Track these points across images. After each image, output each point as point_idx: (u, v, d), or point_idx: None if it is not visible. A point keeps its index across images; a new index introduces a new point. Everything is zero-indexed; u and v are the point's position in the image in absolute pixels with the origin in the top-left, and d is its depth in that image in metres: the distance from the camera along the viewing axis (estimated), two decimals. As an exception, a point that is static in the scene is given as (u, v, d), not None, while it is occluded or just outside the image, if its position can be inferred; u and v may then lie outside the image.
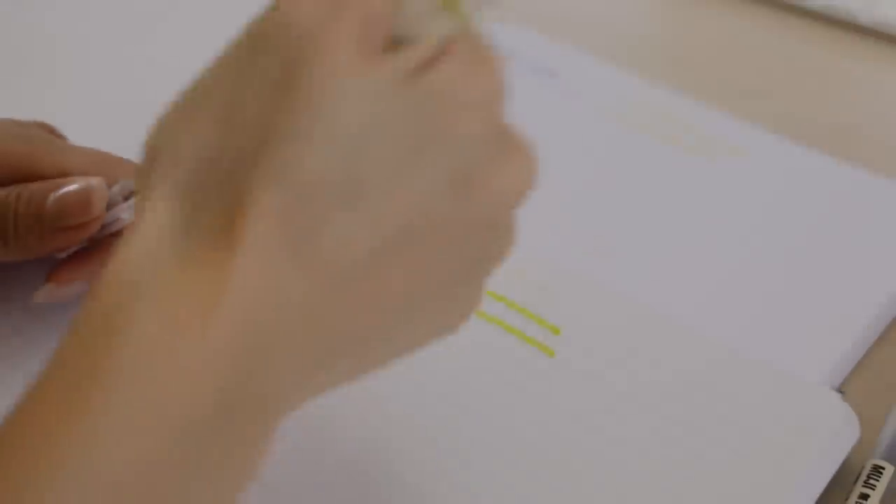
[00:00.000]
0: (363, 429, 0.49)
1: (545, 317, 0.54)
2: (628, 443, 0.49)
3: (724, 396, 0.50)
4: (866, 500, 0.48)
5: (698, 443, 0.49)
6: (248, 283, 0.34)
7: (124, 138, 0.54)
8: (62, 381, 0.34)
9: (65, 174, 0.51)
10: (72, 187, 0.49)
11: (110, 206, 0.51)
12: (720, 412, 0.50)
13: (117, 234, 0.51)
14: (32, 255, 0.50)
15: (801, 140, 0.64)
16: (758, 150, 0.63)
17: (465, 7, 0.37)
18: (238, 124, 0.35)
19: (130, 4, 0.71)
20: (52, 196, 0.49)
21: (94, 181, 0.50)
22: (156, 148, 0.37)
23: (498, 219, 0.39)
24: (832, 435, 0.49)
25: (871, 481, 0.49)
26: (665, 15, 0.72)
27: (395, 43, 0.36)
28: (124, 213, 0.51)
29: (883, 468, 0.49)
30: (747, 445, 0.49)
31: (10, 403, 0.35)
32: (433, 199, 0.36)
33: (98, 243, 0.51)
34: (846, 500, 0.49)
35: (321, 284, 0.35)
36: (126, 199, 0.51)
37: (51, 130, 0.55)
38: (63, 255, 0.51)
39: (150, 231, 0.35)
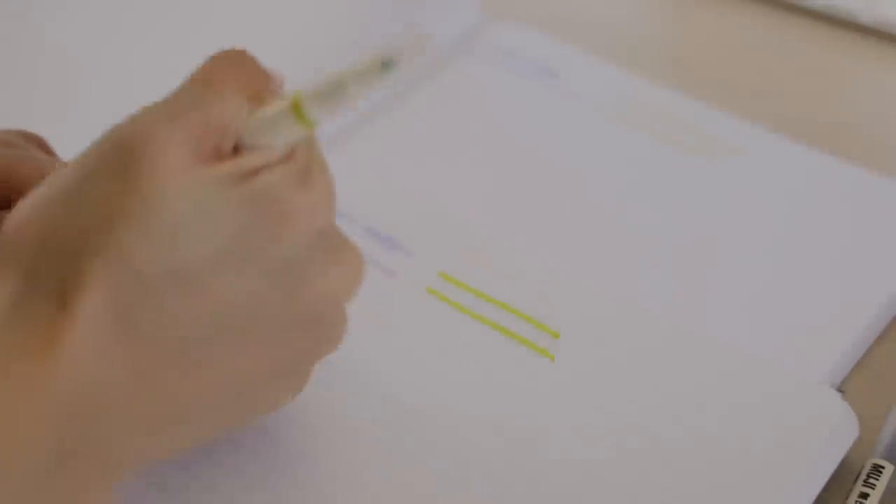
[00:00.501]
0: (361, 432, 0.50)
1: (544, 321, 0.54)
2: (627, 443, 0.49)
3: (724, 396, 0.50)
4: (866, 499, 0.48)
5: (698, 442, 0.49)
6: (79, 349, 0.38)
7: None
8: None
9: None
10: None
11: None
12: (720, 411, 0.50)
13: None
14: None
15: (801, 140, 0.64)
16: (757, 149, 0.63)
17: (312, 115, 0.40)
18: (77, 208, 0.39)
19: (120, 14, 0.70)
20: None
21: None
22: (6, 229, 0.40)
23: (324, 316, 0.43)
24: (831, 433, 0.49)
25: (871, 480, 0.49)
26: (665, 14, 0.72)
27: (248, 148, 0.41)
28: None
29: (883, 467, 0.49)
30: (747, 444, 0.49)
31: None
32: (254, 292, 0.40)
33: None
34: (846, 499, 0.49)
35: (145, 358, 0.39)
36: None
37: (38, 142, 0.55)
38: None
39: None
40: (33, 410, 0.37)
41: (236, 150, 0.41)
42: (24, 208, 0.40)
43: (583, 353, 0.52)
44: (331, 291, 0.43)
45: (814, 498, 0.48)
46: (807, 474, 0.48)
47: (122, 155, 0.40)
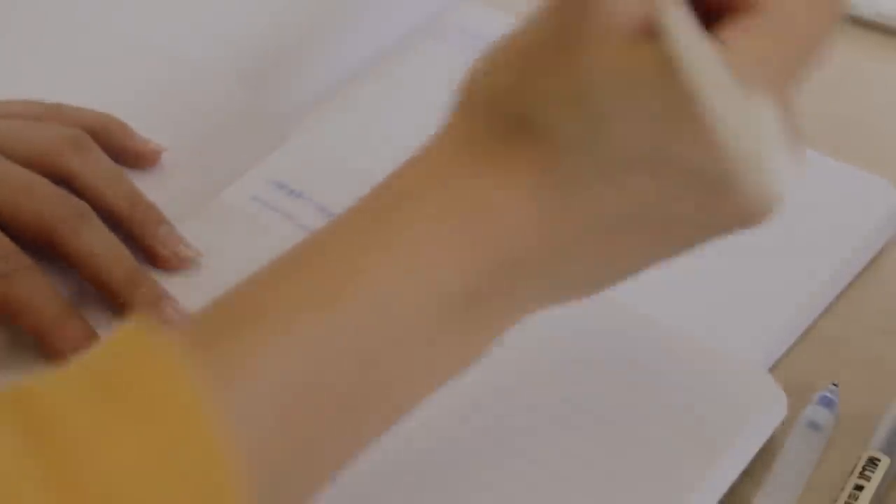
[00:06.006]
0: None
1: None
2: (554, 414, 0.50)
3: (651, 371, 0.51)
4: (861, 491, 0.48)
5: (624, 416, 0.50)
6: (513, 204, 0.41)
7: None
8: (346, 234, 0.42)
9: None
10: None
11: None
12: (647, 387, 0.51)
13: None
14: None
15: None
16: None
17: None
18: (527, 74, 0.41)
19: None
20: None
21: None
22: (460, 89, 0.43)
23: (740, 221, 0.43)
24: (757, 411, 0.50)
25: (867, 473, 0.49)
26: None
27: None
28: None
29: (879, 460, 0.49)
30: (672, 420, 0.50)
31: None
32: (669, 197, 0.41)
33: None
34: (841, 490, 0.49)
35: (562, 231, 0.41)
36: None
37: (118, 129, 0.57)
38: None
39: (439, 145, 0.42)
40: (463, 247, 0.41)
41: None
42: (477, 69, 0.43)
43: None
44: (747, 207, 0.42)
45: (737, 474, 0.49)
46: (731, 451, 0.49)
47: (567, 14, 0.41)
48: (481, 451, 0.49)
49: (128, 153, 0.56)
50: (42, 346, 0.50)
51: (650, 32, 0.40)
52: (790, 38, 0.42)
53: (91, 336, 0.50)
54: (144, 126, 0.58)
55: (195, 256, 0.54)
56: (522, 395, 0.50)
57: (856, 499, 0.48)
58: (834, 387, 0.51)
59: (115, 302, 0.51)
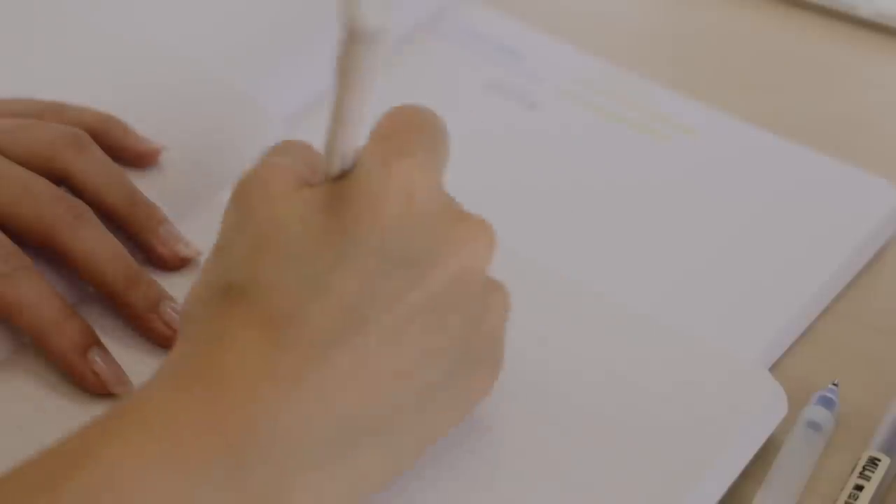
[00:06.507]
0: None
1: None
2: (554, 414, 0.50)
3: (653, 371, 0.51)
4: (861, 490, 0.49)
5: (624, 416, 0.50)
6: (236, 375, 0.40)
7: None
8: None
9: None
10: None
11: None
12: (647, 386, 0.51)
13: None
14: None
15: (799, 134, 0.63)
16: (709, 130, 0.63)
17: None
18: (219, 260, 0.43)
19: None
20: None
21: None
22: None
23: (464, 293, 0.44)
24: (758, 410, 0.50)
25: (867, 472, 0.49)
26: (660, 9, 0.72)
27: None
28: None
29: (879, 460, 0.49)
30: (673, 419, 0.50)
31: None
32: (375, 283, 0.42)
33: None
34: (841, 490, 0.49)
35: (306, 362, 0.41)
36: None
37: (117, 127, 0.56)
38: None
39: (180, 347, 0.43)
40: (206, 443, 0.39)
41: None
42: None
43: (516, 321, 0.52)
44: (459, 267, 0.43)
45: (738, 473, 0.49)
46: (731, 450, 0.49)
47: (240, 196, 0.44)
48: (479, 450, 0.48)
49: (128, 153, 0.56)
50: (42, 346, 0.50)
51: (308, 182, 0.43)
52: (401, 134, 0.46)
53: (91, 336, 0.50)
54: (144, 126, 0.58)
55: (195, 256, 0.54)
56: (521, 393, 0.50)
57: (856, 499, 0.48)
58: (834, 387, 0.52)
59: (114, 302, 0.51)
